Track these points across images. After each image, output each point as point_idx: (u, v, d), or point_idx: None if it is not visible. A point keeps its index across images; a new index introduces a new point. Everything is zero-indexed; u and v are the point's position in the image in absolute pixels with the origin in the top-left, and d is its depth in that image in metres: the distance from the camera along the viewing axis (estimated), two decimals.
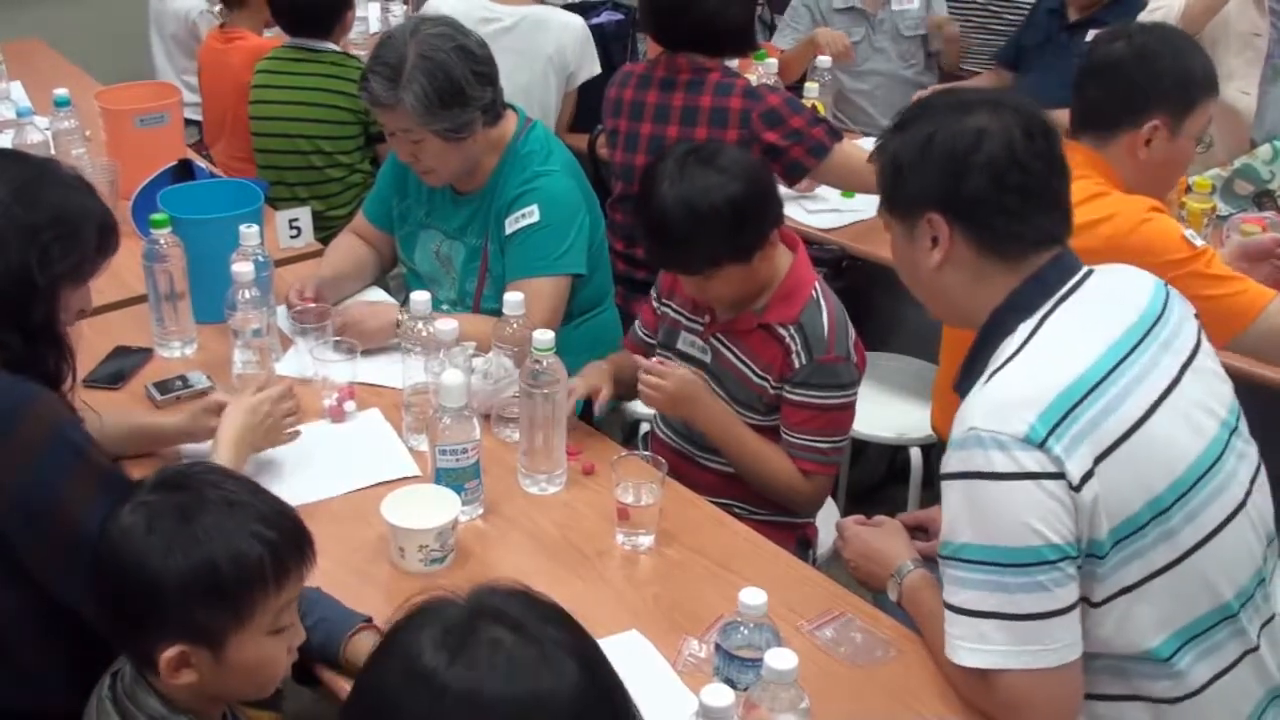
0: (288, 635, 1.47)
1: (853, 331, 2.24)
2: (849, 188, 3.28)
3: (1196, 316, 1.75)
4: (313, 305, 2.46)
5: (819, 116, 3.05)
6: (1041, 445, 1.49)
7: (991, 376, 1.60)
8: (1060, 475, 1.49)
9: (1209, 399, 1.66)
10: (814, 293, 2.21)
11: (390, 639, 1.09)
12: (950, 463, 1.57)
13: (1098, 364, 1.56)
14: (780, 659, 1.42)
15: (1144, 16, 3.52)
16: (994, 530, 1.52)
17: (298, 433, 2.14)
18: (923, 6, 4.24)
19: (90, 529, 1.61)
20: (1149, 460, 1.55)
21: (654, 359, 2.28)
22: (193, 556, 1.37)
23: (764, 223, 2.15)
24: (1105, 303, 1.65)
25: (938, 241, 1.66)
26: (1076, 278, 1.66)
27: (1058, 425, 1.50)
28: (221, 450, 1.98)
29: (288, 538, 1.44)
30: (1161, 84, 2.27)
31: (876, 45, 4.20)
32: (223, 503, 1.42)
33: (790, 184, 3.09)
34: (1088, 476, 1.50)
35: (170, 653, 1.38)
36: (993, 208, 1.62)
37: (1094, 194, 2.21)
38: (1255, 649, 1.68)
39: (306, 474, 2.11)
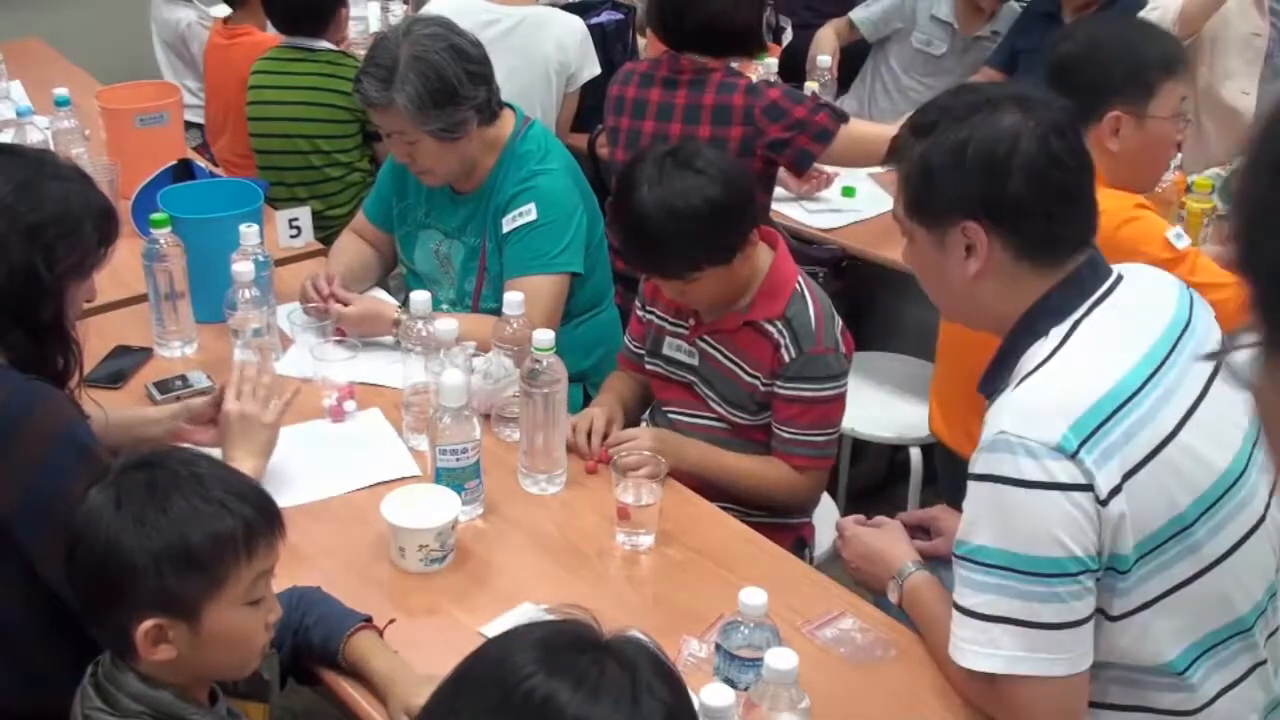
0: (264, 609, 1.47)
1: (839, 321, 2.23)
2: (859, 163, 3.23)
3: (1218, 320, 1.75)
4: (315, 306, 2.47)
5: (820, 103, 3.04)
6: (1073, 456, 1.47)
7: (1024, 380, 1.57)
8: (1089, 488, 1.47)
9: (1234, 410, 1.64)
10: (798, 286, 2.20)
11: (502, 635, 1.09)
12: (978, 464, 1.54)
13: (1131, 375, 1.54)
14: (780, 659, 1.42)
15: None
16: (1017, 537, 1.50)
17: (283, 406, 2.07)
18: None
19: None
20: (1176, 476, 1.53)
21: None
22: (163, 528, 1.38)
23: (743, 223, 2.13)
24: (1137, 309, 1.62)
25: (972, 250, 1.60)
26: (1109, 282, 1.63)
27: (1090, 437, 1.48)
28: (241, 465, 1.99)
29: (257, 509, 1.45)
30: (1112, 75, 2.29)
31: (947, 66, 4.18)
32: (191, 478, 1.42)
33: (799, 174, 3.10)
34: (1115, 491, 1.48)
35: (146, 625, 1.38)
36: (1035, 212, 1.58)
37: None
38: (1264, 661, 1.67)
39: (306, 474, 2.11)
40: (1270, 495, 1.67)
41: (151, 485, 1.41)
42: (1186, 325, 1.64)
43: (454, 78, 2.40)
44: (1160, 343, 1.59)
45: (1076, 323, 1.59)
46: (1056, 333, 1.59)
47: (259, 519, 1.44)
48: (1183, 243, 2.26)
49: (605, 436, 2.21)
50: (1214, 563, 1.57)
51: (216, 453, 2.03)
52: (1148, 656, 1.58)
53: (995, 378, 1.66)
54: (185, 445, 2.05)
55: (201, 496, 1.41)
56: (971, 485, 1.56)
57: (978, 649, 1.55)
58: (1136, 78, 2.29)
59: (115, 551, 1.38)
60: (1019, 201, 1.57)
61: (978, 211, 1.59)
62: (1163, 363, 1.57)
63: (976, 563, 1.54)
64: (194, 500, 1.40)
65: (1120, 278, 1.65)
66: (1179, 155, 3.29)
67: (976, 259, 1.61)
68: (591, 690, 1.02)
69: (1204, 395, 1.59)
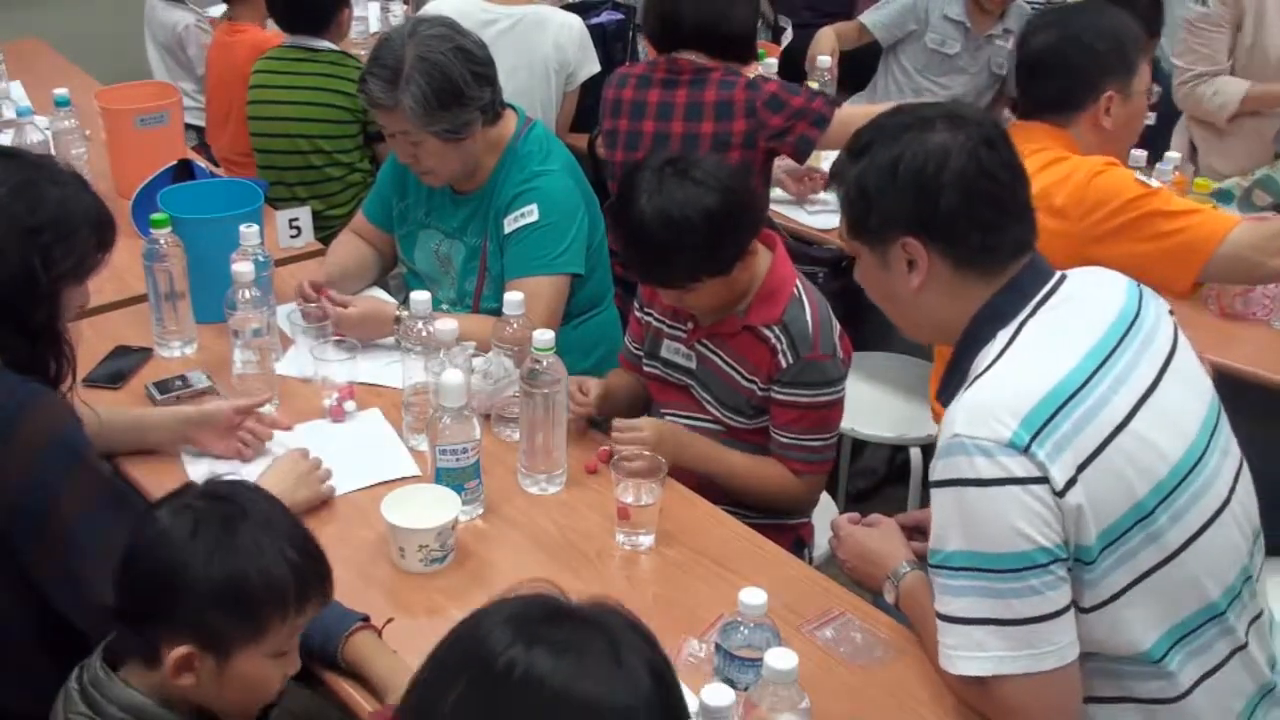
0: (285, 662, 1.50)
1: (837, 326, 2.23)
2: None
3: (1171, 313, 1.76)
4: (313, 306, 2.47)
5: (815, 91, 3.10)
6: (1025, 450, 1.49)
7: (972, 383, 1.59)
8: (1044, 480, 1.49)
9: (1189, 398, 1.66)
10: (796, 290, 2.20)
11: (471, 616, 1.08)
12: (936, 470, 1.57)
13: (1078, 368, 1.56)
14: (780, 659, 1.42)
15: (1189, 95, 3.54)
16: (983, 536, 1.52)
17: (332, 490, 2.08)
18: (1013, 56, 4.20)
19: (85, 532, 1.63)
20: (1131, 465, 1.54)
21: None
22: (228, 566, 1.41)
23: (742, 234, 2.13)
24: (1081, 306, 1.65)
25: (914, 265, 1.64)
26: (1051, 283, 1.66)
27: (1040, 431, 1.50)
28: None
29: (315, 567, 1.48)
30: (1102, 58, 2.38)
31: (961, 65, 4.19)
32: (264, 521, 1.45)
33: (800, 161, 3.14)
34: (1071, 483, 1.50)
35: (179, 652, 1.40)
36: (968, 223, 1.62)
37: (1050, 161, 2.30)
38: (1244, 646, 1.68)
39: None
40: (1235, 479, 1.68)
41: (229, 521, 1.43)
42: (1135, 317, 1.66)
43: (460, 79, 2.40)
44: (1107, 336, 1.62)
45: (1021, 324, 1.62)
46: (1003, 335, 1.62)
47: (314, 577, 1.47)
48: (1155, 183, 2.35)
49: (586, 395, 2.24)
50: (1178, 550, 1.58)
51: (229, 465, 2.06)
52: (1124, 646, 1.59)
53: (950, 386, 1.69)
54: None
55: (270, 542, 1.43)
56: (934, 494, 1.58)
57: (964, 654, 1.56)
58: (1123, 57, 2.39)
59: (179, 576, 1.40)
60: (952, 215, 1.61)
61: (914, 227, 1.63)
62: (1110, 354, 1.59)
63: (950, 569, 1.56)
64: (264, 546, 1.43)
65: (1063, 277, 1.68)
66: (1192, 165, 3.32)
67: (918, 273, 1.65)
68: (574, 658, 1.01)
69: (1156, 384, 1.61)
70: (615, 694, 1.01)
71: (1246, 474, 1.72)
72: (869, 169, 1.65)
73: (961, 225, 1.62)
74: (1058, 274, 1.68)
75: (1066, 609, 1.53)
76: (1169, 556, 1.58)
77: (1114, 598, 1.56)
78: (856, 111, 3.02)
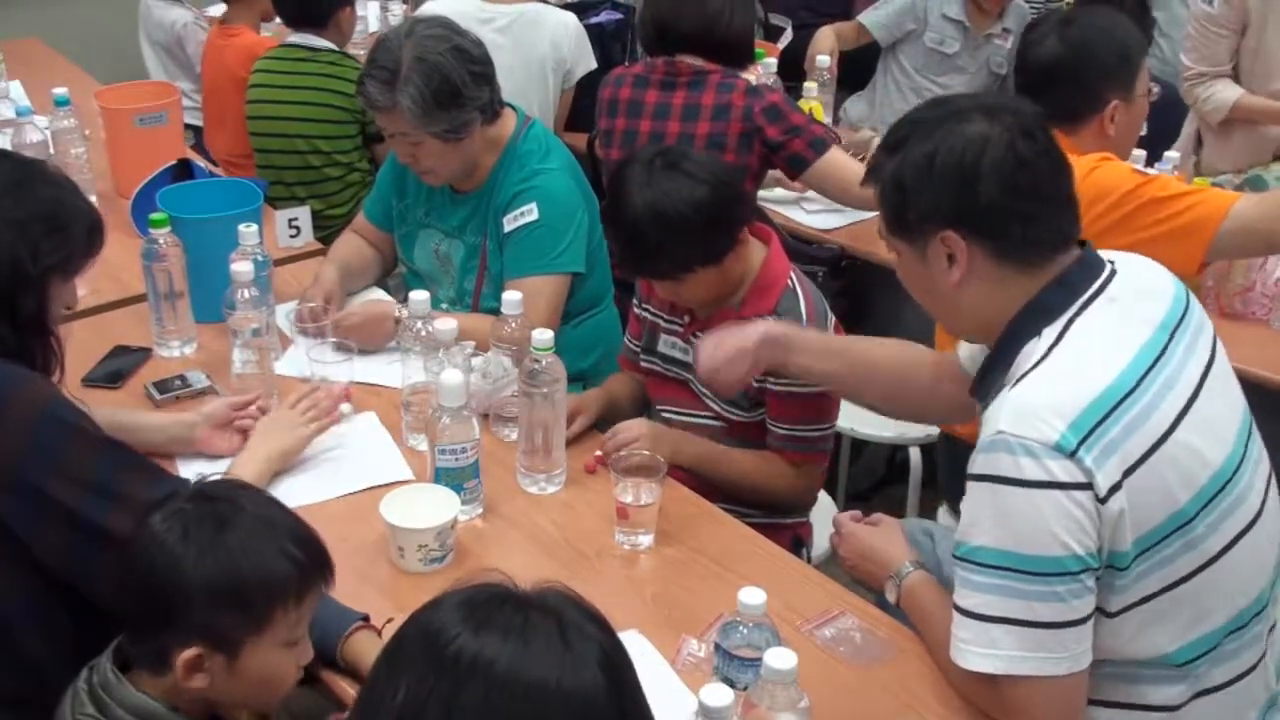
0: (298, 650, 1.50)
1: (832, 318, 2.24)
2: (841, 199, 3.21)
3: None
4: (313, 305, 2.47)
5: (815, 119, 3.09)
6: (1072, 455, 1.47)
7: (1020, 380, 1.57)
8: (1088, 486, 1.47)
9: (1227, 406, 1.65)
10: (790, 282, 2.21)
11: (421, 609, 1.09)
12: (976, 464, 1.55)
13: (1128, 371, 1.53)
14: (779, 658, 1.42)
15: (1189, 94, 3.54)
16: (1017, 536, 1.50)
17: (335, 419, 2.18)
18: (1011, 56, 4.20)
19: (92, 503, 1.64)
20: (1175, 471, 1.53)
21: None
22: (223, 565, 1.42)
23: (732, 225, 2.14)
24: (1132, 302, 1.62)
25: (954, 259, 1.61)
26: (1102, 277, 1.63)
27: (1089, 435, 1.48)
28: (245, 459, 2.03)
29: (313, 558, 1.49)
30: (1107, 68, 2.37)
31: (960, 64, 4.20)
32: (257, 518, 1.47)
33: (793, 178, 3.11)
34: (1115, 489, 1.48)
35: (188, 654, 1.42)
36: (1008, 215, 1.59)
37: None
38: (1263, 657, 1.67)
39: (299, 477, 2.10)
40: (1266, 489, 1.67)
41: (221, 521, 1.44)
42: (1183, 316, 1.65)
43: (458, 79, 2.40)
44: (1157, 334, 1.60)
45: (1070, 320, 1.59)
46: (1049, 332, 1.59)
47: (315, 569, 1.48)
48: (1151, 171, 2.36)
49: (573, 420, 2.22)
50: (1213, 558, 1.57)
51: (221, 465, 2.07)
52: (1145, 652, 1.58)
53: (988, 381, 1.67)
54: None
55: (266, 537, 1.45)
56: (970, 486, 1.55)
57: (978, 650, 1.55)
58: (1125, 64, 2.38)
59: (173, 579, 1.41)
60: (991, 207, 1.58)
61: (953, 220, 1.60)
62: (1160, 355, 1.57)
63: (976, 563, 1.54)
64: (258, 542, 1.44)
65: (1114, 272, 1.65)
66: (1194, 157, 3.32)
67: (959, 267, 1.62)
68: (520, 640, 1.03)
69: (1199, 390, 1.59)
70: (564, 676, 1.02)
71: (1275, 484, 1.70)
72: (904, 163, 1.62)
73: (1000, 217, 1.59)
74: (1109, 268, 1.65)
75: (1087, 618, 1.52)
76: (1203, 565, 1.56)
77: (1142, 602, 1.55)
78: (849, 160, 3.00)
